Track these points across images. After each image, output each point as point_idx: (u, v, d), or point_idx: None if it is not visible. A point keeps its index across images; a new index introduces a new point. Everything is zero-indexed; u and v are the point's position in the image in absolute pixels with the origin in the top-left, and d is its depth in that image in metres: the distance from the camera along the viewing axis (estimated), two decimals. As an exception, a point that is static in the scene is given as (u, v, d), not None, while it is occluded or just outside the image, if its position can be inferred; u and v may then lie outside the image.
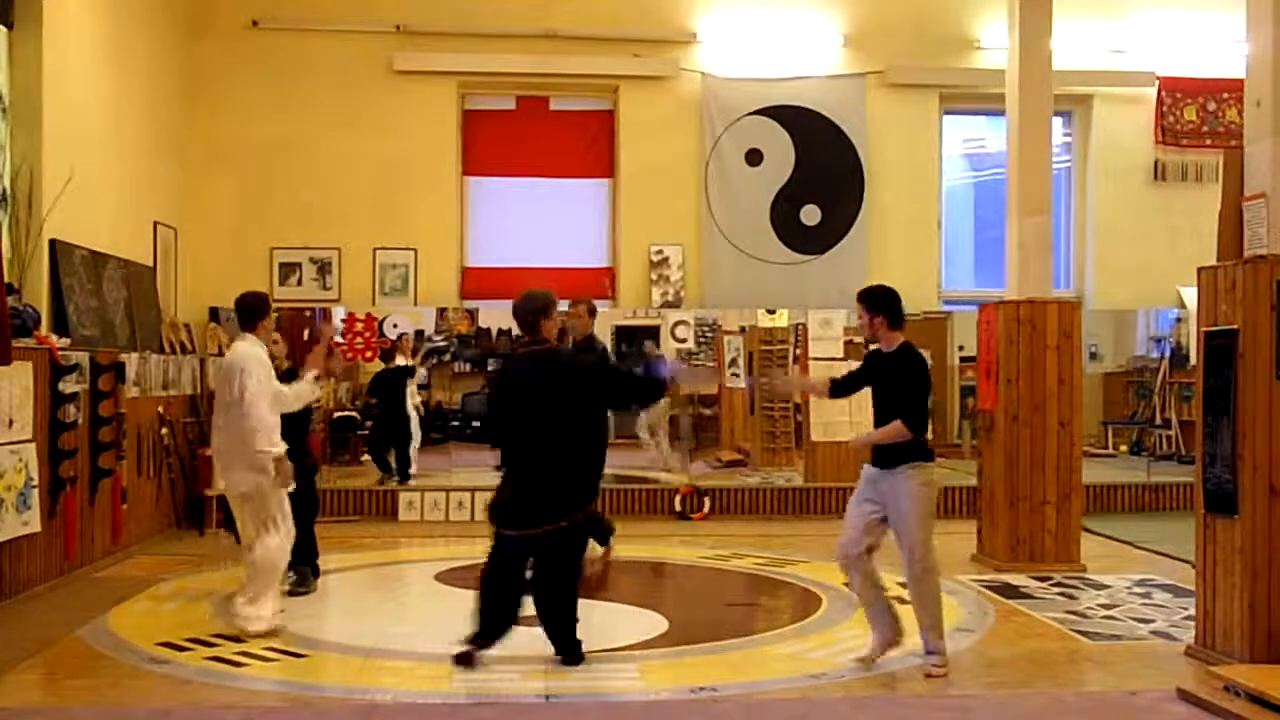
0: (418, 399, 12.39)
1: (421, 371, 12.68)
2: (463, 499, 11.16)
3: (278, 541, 6.64)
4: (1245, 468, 5.74)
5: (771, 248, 12.66)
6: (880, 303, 5.99)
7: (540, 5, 12.53)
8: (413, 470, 12.08)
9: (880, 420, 5.93)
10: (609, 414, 7.46)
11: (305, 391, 7.08)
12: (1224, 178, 6.39)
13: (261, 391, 6.54)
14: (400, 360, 12.30)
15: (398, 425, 12.13)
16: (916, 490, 5.78)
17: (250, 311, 6.87)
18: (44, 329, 7.95)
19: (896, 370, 5.91)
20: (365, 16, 12.37)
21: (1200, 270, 6.16)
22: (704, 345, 12.64)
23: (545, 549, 5.89)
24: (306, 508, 7.47)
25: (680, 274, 12.64)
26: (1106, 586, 8.00)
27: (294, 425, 7.17)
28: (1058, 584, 8.06)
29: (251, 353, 6.65)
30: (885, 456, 5.85)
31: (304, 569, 7.70)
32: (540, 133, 12.90)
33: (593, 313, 8.47)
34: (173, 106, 11.53)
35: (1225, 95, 13.22)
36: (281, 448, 6.59)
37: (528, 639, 6.60)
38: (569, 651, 5.97)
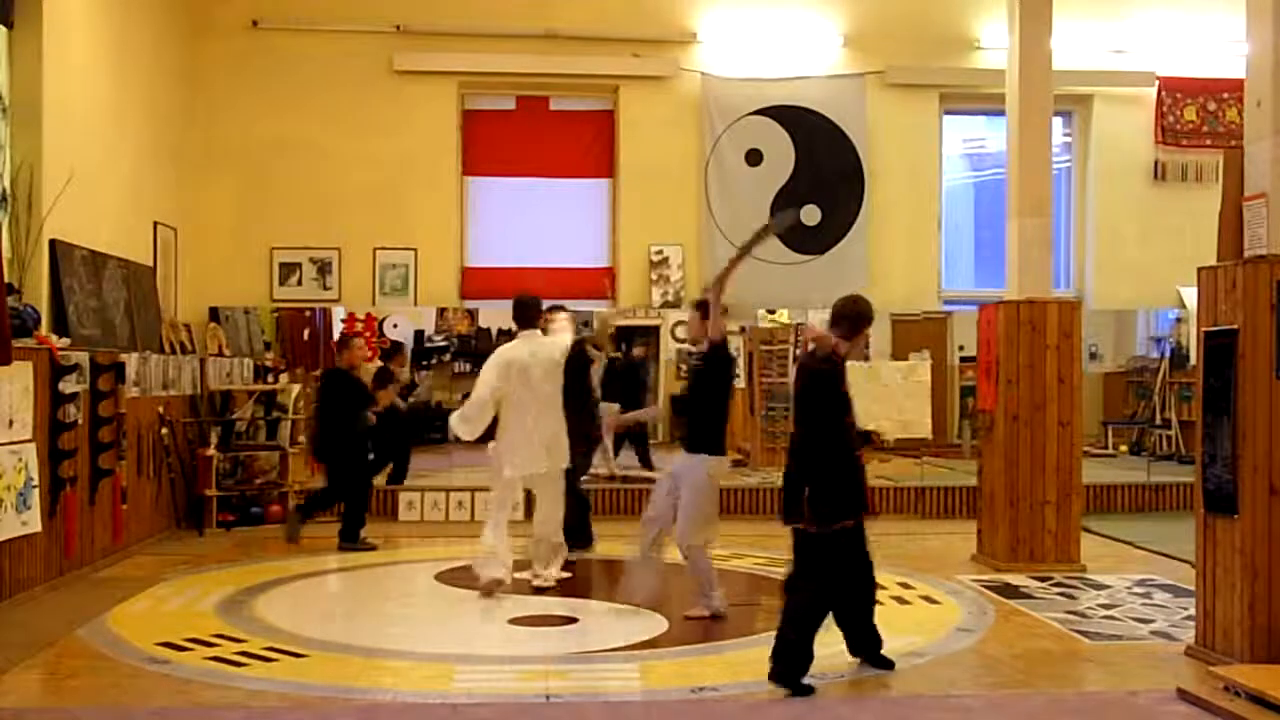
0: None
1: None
2: (462, 499, 11.14)
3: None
4: (1245, 468, 5.73)
5: (772, 248, 12.64)
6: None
7: (540, 5, 12.54)
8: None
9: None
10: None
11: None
12: (1224, 178, 6.39)
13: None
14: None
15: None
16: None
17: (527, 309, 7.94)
18: (44, 329, 7.95)
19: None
20: (365, 16, 12.38)
21: (1200, 270, 6.15)
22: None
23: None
24: None
25: (680, 274, 12.65)
26: (1106, 586, 7.99)
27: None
28: (1058, 584, 8.05)
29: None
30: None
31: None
32: (540, 133, 12.90)
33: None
34: (173, 106, 11.53)
35: (1225, 95, 13.22)
36: None
37: (528, 639, 6.62)
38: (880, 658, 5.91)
